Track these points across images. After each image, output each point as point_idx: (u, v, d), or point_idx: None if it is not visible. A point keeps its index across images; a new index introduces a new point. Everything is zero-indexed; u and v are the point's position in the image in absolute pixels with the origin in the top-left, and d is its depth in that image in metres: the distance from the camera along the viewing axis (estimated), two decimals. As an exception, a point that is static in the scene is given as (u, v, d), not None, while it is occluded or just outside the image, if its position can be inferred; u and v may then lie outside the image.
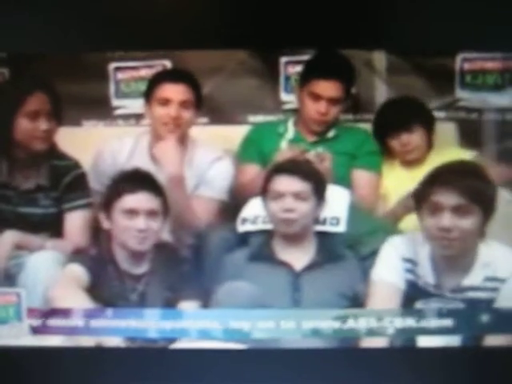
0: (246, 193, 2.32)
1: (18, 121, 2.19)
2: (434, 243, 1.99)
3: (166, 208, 2.15)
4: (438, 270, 2.00)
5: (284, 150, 2.32)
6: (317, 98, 2.34)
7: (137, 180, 2.14)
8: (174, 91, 2.30)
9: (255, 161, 2.39)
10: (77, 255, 2.17)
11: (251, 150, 2.41)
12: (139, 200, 2.11)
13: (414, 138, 2.37)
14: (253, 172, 2.36)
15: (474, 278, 1.98)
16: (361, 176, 2.38)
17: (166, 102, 2.30)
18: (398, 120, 2.35)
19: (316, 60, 2.37)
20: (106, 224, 2.15)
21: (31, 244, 2.17)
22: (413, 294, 2.02)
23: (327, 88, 2.32)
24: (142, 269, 2.14)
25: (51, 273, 2.09)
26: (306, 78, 2.36)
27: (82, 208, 2.27)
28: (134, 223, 2.10)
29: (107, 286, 2.11)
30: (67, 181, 2.26)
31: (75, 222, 2.26)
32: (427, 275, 2.01)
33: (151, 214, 2.11)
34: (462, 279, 1.99)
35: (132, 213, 2.11)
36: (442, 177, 1.97)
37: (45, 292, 2.05)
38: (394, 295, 2.02)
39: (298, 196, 2.10)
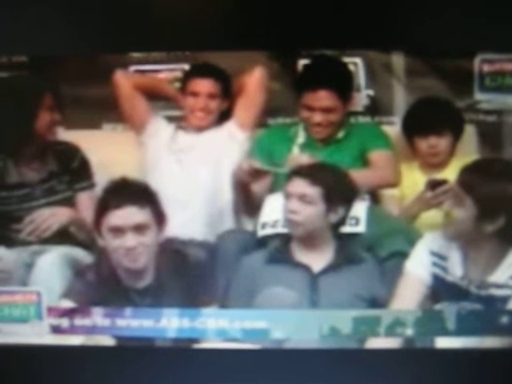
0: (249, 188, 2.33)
1: (41, 114, 2.26)
2: None
3: (158, 215, 2.02)
4: (467, 264, 2.00)
5: (294, 156, 2.32)
6: (310, 109, 2.32)
7: (121, 192, 2.01)
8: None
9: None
10: (70, 290, 2.05)
11: (260, 152, 2.39)
12: (123, 216, 1.96)
13: (441, 142, 2.38)
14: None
15: (500, 275, 1.97)
16: (376, 156, 2.35)
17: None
18: (430, 121, 2.35)
19: (304, 72, 2.38)
20: (100, 242, 2.03)
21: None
22: (439, 290, 2.02)
23: (318, 99, 2.30)
24: (146, 281, 2.04)
25: (59, 274, 2.09)
26: (298, 91, 2.35)
27: (89, 188, 2.33)
28: (122, 242, 1.97)
29: (114, 305, 2.01)
30: (76, 165, 2.32)
31: (86, 201, 2.30)
32: (456, 267, 2.01)
33: (139, 228, 1.98)
34: (489, 275, 1.98)
35: (118, 230, 1.97)
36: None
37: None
38: (418, 288, 2.03)
39: (302, 198, 2.09)
